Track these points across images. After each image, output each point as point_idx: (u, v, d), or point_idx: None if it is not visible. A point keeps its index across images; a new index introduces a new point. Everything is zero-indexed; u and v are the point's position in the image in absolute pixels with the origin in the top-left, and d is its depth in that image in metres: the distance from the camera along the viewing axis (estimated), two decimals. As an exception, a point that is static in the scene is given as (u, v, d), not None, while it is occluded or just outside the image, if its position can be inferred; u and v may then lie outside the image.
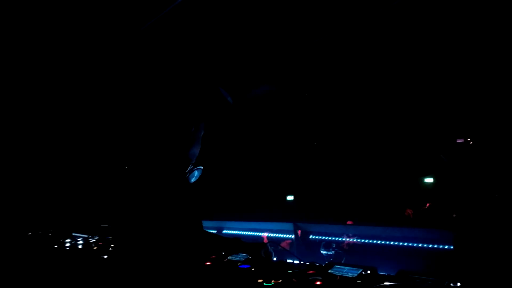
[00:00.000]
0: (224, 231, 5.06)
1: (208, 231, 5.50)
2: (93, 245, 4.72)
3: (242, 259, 3.74)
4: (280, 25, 5.69)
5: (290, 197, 9.73)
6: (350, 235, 3.96)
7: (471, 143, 10.75)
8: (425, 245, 3.24)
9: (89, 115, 7.82)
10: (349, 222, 6.53)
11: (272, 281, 3.04)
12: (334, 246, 3.98)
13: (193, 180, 1.74)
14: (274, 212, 7.18)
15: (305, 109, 9.23)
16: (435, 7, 5.72)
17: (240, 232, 4.94)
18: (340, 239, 4.05)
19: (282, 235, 4.67)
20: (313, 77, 8.03)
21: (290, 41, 6.30)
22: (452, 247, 3.12)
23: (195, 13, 4.96)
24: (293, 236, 4.45)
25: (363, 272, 2.95)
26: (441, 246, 3.23)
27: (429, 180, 10.31)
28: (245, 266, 3.49)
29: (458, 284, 2.49)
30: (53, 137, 8.13)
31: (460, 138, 10.71)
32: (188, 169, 1.62)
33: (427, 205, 8.02)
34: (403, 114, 9.43)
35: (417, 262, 3.29)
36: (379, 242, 3.56)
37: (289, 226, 4.47)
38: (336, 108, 9.43)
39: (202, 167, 1.58)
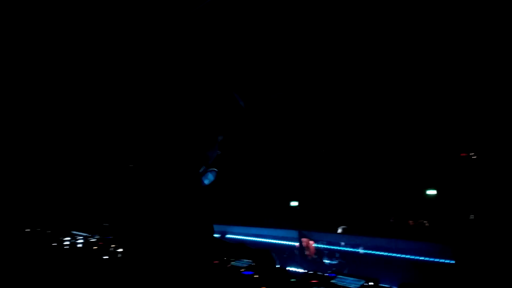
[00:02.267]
0: (228, 236, 5.11)
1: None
2: (93, 245, 4.76)
3: (245, 265, 3.79)
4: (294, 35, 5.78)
5: (294, 203, 9.76)
6: (355, 244, 4.01)
7: (473, 157, 10.77)
8: (427, 258, 3.29)
9: (97, 113, 7.89)
10: (340, 229, 6.53)
11: (276, 288, 3.10)
12: (337, 256, 4.03)
13: (207, 182, 1.76)
14: (279, 218, 7.22)
15: (314, 117, 9.30)
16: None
17: (244, 237, 4.99)
18: (344, 248, 4.09)
19: (286, 242, 4.71)
20: (324, 88, 8.10)
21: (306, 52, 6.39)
22: (452, 261, 3.16)
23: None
24: (297, 244, 4.49)
25: (365, 284, 3.01)
26: (442, 260, 3.28)
27: (431, 192, 10.32)
28: (248, 273, 3.54)
29: (459, 299, 2.54)
30: (55, 135, 8.19)
31: (463, 152, 10.75)
32: (202, 170, 1.66)
33: (426, 223, 8.05)
34: (409, 127, 9.47)
35: (420, 275, 3.34)
36: (381, 253, 3.60)
37: (293, 233, 4.51)
38: (345, 117, 9.49)
39: (216, 170, 1.62)
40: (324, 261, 4.03)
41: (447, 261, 3.27)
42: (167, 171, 1.55)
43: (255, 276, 3.48)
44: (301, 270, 3.54)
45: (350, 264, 3.79)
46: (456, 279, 3.18)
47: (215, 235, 5.47)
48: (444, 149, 10.60)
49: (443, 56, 6.88)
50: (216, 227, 5.40)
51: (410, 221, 8.18)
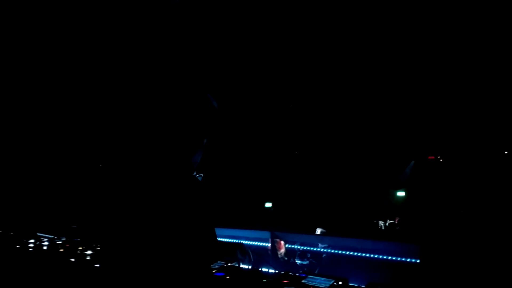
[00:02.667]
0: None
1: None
2: (59, 247, 4.59)
3: (217, 266, 3.78)
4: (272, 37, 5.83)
5: (268, 204, 9.80)
6: (326, 245, 4.08)
7: (441, 160, 11.26)
8: (394, 258, 3.39)
9: (66, 112, 7.64)
10: (319, 230, 6.64)
11: (247, 289, 3.11)
12: (309, 256, 4.09)
13: None
14: (251, 219, 7.22)
15: (288, 119, 9.40)
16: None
17: (218, 239, 4.96)
18: (315, 249, 4.15)
19: (258, 243, 4.73)
20: (298, 90, 8.21)
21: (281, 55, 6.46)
22: (418, 261, 3.28)
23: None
24: (269, 245, 4.52)
25: (335, 283, 3.07)
26: (408, 259, 3.39)
27: (401, 193, 10.68)
28: (220, 274, 3.53)
29: (423, 297, 2.64)
30: (21, 134, 7.86)
31: (431, 155, 11.21)
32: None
33: (396, 219, 8.31)
34: (381, 131, 9.76)
35: (387, 274, 3.44)
36: (351, 253, 3.68)
37: (266, 234, 4.54)
38: (318, 120, 9.65)
39: (202, 175, 1.61)
40: (296, 261, 4.08)
41: (413, 260, 3.38)
42: (143, 171, 1.51)
43: (227, 277, 3.48)
44: (273, 271, 3.56)
45: (321, 264, 3.86)
46: (421, 278, 3.29)
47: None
48: (413, 152, 11.00)
49: (411, 63, 7.15)
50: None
51: (395, 221, 8.39)
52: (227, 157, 9.06)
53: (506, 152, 10.53)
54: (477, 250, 3.42)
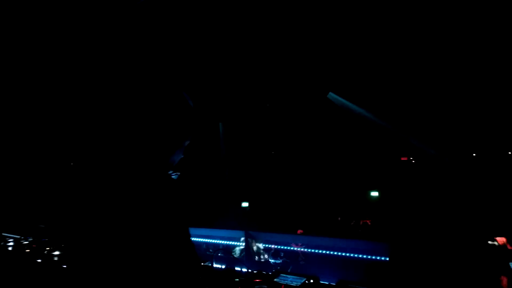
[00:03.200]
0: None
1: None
2: (25, 247, 4.41)
3: (190, 266, 3.75)
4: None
5: (245, 204, 9.79)
6: (299, 244, 4.12)
7: (413, 161, 11.61)
8: (364, 256, 3.47)
9: (35, 111, 7.35)
10: (299, 231, 6.72)
11: (219, 289, 3.10)
12: (282, 255, 4.11)
13: None
14: (226, 219, 7.21)
15: (266, 119, 9.43)
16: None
17: (192, 239, 4.92)
18: (289, 248, 4.19)
19: (233, 243, 4.72)
20: (275, 90, 8.25)
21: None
22: (388, 259, 3.36)
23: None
24: (243, 244, 4.52)
25: (306, 281, 3.11)
26: (378, 258, 3.47)
27: (374, 194, 10.94)
28: (193, 273, 3.51)
29: (390, 293, 2.72)
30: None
31: (403, 156, 11.54)
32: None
33: (368, 221, 8.50)
34: (354, 132, 9.95)
35: (357, 272, 3.51)
36: (323, 252, 3.74)
37: (240, 234, 4.54)
38: (295, 121, 9.73)
39: (179, 173, 1.57)
40: (269, 260, 4.10)
41: (382, 258, 3.46)
42: (115, 170, 1.46)
43: (199, 277, 3.45)
44: (245, 270, 3.56)
45: (294, 263, 3.90)
46: (390, 275, 3.37)
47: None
48: (386, 153, 11.28)
49: (387, 67, 7.34)
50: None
51: (367, 221, 8.56)
52: (204, 157, 8.99)
53: (474, 154, 10.99)
54: (444, 248, 3.54)
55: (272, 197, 9.85)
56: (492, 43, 6.14)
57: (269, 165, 10.42)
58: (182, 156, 1.73)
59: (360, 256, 3.61)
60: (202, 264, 3.77)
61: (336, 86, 8.35)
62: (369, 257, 3.56)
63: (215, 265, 3.90)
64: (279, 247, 4.15)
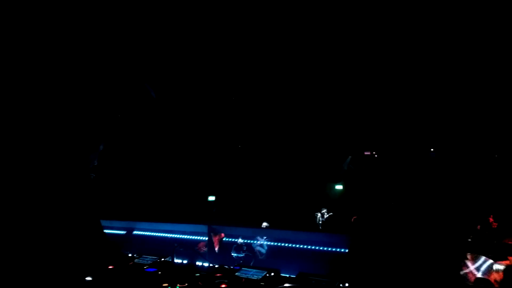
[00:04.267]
0: (135, 232, 4.85)
1: (117, 232, 5.22)
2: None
3: (149, 262, 3.63)
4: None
5: (211, 198, 9.67)
6: (263, 238, 4.11)
7: (375, 156, 12.00)
8: (324, 248, 3.51)
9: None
10: (264, 224, 6.73)
11: (178, 285, 3.02)
12: (245, 249, 4.09)
13: None
14: (190, 213, 7.08)
15: (230, 113, 9.33)
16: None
17: (152, 234, 4.79)
18: (252, 241, 4.17)
19: (196, 237, 4.64)
20: (241, 83, 8.17)
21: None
22: (346, 250, 3.43)
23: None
24: (206, 238, 4.46)
25: (267, 275, 3.10)
26: (338, 249, 3.54)
27: (338, 187, 11.21)
28: (152, 270, 3.39)
29: (347, 284, 2.76)
30: None
31: (367, 151, 11.90)
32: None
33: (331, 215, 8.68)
34: (319, 127, 10.10)
35: (318, 264, 3.55)
36: (285, 245, 3.76)
37: (203, 228, 4.46)
38: (261, 114, 9.71)
39: (94, 175, 1.52)
40: (232, 254, 4.06)
41: (342, 250, 3.52)
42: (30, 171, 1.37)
43: (159, 272, 3.35)
44: (207, 264, 3.51)
45: (256, 256, 3.89)
46: (349, 266, 3.43)
47: (121, 232, 5.11)
48: (350, 148, 11.58)
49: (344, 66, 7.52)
50: (121, 224, 5.05)
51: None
52: (167, 151, 8.76)
53: (432, 150, 11.52)
54: (404, 241, 3.66)
55: (238, 191, 9.81)
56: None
57: (236, 158, 10.35)
58: (96, 163, 1.67)
59: (321, 248, 3.65)
60: (162, 259, 3.66)
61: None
62: (329, 249, 3.61)
63: (176, 260, 3.81)
64: (242, 240, 4.13)
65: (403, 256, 3.39)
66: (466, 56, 6.92)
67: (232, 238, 4.32)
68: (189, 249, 4.09)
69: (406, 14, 5.73)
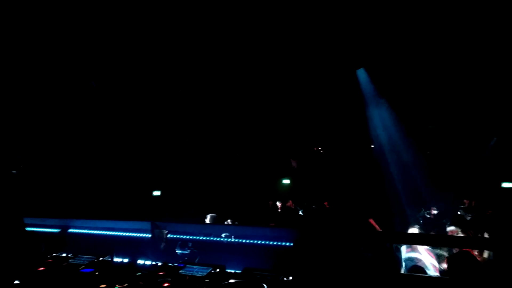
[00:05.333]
0: (71, 230, 4.51)
1: (50, 230, 4.81)
2: None
3: (86, 262, 3.40)
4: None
5: (156, 193, 9.34)
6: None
7: (321, 151, 12.45)
8: (269, 242, 3.55)
9: None
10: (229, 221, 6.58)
11: (117, 285, 2.86)
12: (190, 245, 4.00)
13: None
14: (132, 209, 6.75)
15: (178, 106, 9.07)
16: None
17: (91, 232, 4.50)
18: (197, 237, 4.09)
19: (139, 235, 4.44)
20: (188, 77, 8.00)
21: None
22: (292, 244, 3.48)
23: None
24: (150, 235, 4.28)
25: (212, 271, 3.06)
26: (283, 243, 3.58)
27: (286, 181, 11.46)
28: (88, 270, 3.18)
29: (290, 278, 2.81)
30: None
31: (315, 146, 12.31)
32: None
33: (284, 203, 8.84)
34: (269, 125, 10.23)
35: (263, 258, 3.58)
36: (229, 240, 3.73)
37: (146, 225, 4.28)
38: (208, 108, 9.58)
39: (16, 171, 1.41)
40: (176, 251, 3.95)
41: (287, 244, 3.57)
42: None
43: (96, 273, 3.15)
44: (149, 263, 3.37)
45: (202, 253, 3.82)
46: (292, 260, 3.49)
47: (55, 230, 4.73)
48: (298, 143, 11.88)
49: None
50: (54, 222, 4.66)
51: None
52: (108, 143, 8.27)
53: (372, 146, 12.22)
54: (347, 233, 3.80)
55: (185, 185, 9.59)
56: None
57: (183, 152, 10.09)
58: (14, 172, 1.56)
59: (266, 242, 3.68)
60: (100, 259, 3.45)
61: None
62: (274, 243, 3.65)
63: (116, 260, 3.61)
64: (187, 237, 4.03)
65: (344, 248, 3.53)
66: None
67: (177, 234, 4.20)
68: (132, 247, 3.91)
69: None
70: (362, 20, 5.95)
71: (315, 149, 12.66)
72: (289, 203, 8.18)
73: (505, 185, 8.47)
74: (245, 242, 3.70)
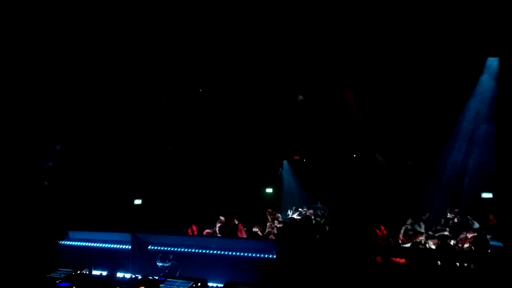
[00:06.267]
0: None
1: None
2: None
3: (63, 275, 3.29)
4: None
5: (138, 201, 9.16)
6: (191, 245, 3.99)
7: (304, 160, 12.55)
8: (253, 255, 3.52)
9: None
10: (194, 227, 6.56)
11: (94, 301, 2.77)
12: (171, 258, 3.92)
13: None
14: (112, 219, 6.57)
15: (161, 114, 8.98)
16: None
17: (68, 243, 4.36)
18: (179, 249, 4.02)
19: (118, 246, 4.34)
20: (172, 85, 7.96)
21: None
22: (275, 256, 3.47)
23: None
24: (130, 247, 4.19)
25: (194, 285, 3.01)
26: (266, 256, 3.57)
27: (269, 190, 11.48)
28: (66, 284, 3.08)
29: (273, 292, 2.80)
30: None
31: (296, 155, 12.40)
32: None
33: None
34: (251, 134, 10.26)
35: (246, 271, 3.55)
36: (213, 252, 3.69)
37: (126, 236, 4.18)
38: (193, 116, 9.52)
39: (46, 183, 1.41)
40: (157, 264, 3.87)
41: (270, 256, 3.56)
42: None
43: (73, 287, 3.06)
44: (129, 276, 3.28)
45: (183, 266, 3.76)
46: (276, 273, 3.48)
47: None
48: (279, 153, 11.95)
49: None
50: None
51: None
52: (90, 153, 8.07)
53: (354, 155, 12.44)
54: (329, 246, 3.82)
55: (167, 194, 9.44)
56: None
57: (165, 161, 9.95)
58: (51, 164, 1.54)
59: (249, 255, 3.66)
60: (78, 272, 3.35)
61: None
62: (257, 255, 3.63)
63: (94, 272, 3.50)
64: (168, 249, 3.96)
65: (328, 260, 3.54)
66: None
67: (159, 246, 4.12)
68: (110, 260, 3.80)
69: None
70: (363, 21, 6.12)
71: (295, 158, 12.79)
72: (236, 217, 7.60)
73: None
74: (228, 254, 3.66)
